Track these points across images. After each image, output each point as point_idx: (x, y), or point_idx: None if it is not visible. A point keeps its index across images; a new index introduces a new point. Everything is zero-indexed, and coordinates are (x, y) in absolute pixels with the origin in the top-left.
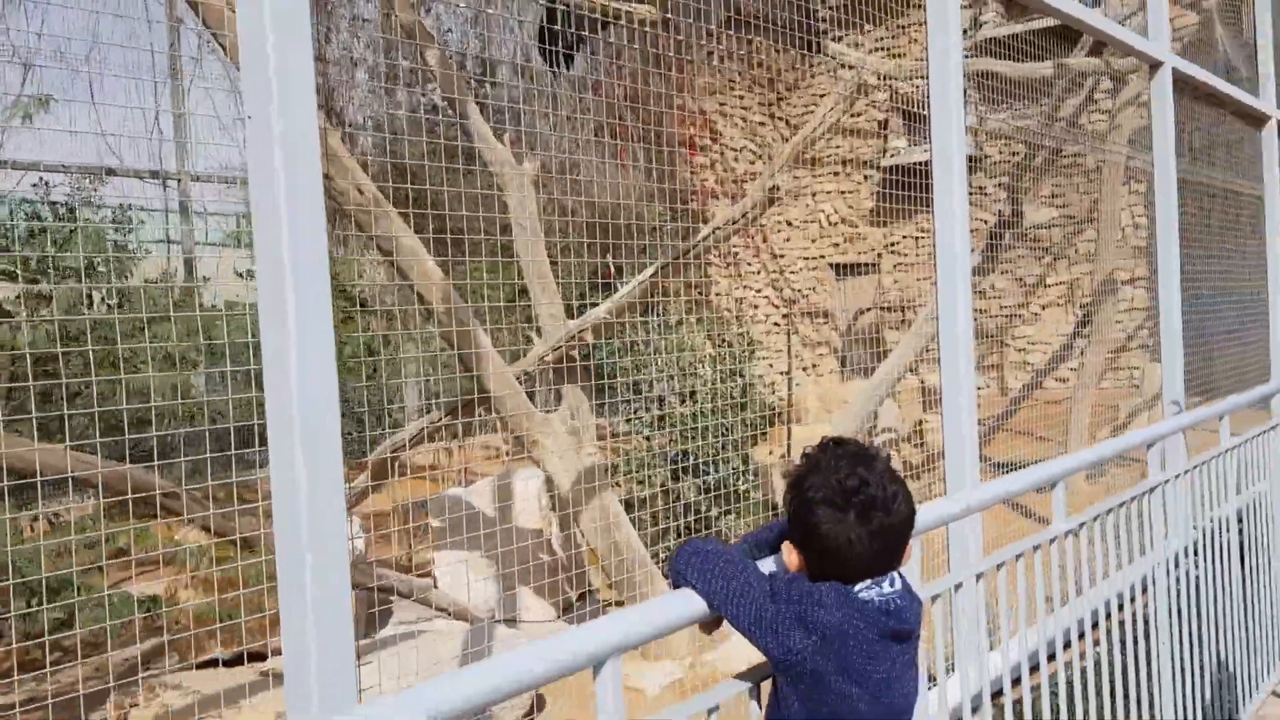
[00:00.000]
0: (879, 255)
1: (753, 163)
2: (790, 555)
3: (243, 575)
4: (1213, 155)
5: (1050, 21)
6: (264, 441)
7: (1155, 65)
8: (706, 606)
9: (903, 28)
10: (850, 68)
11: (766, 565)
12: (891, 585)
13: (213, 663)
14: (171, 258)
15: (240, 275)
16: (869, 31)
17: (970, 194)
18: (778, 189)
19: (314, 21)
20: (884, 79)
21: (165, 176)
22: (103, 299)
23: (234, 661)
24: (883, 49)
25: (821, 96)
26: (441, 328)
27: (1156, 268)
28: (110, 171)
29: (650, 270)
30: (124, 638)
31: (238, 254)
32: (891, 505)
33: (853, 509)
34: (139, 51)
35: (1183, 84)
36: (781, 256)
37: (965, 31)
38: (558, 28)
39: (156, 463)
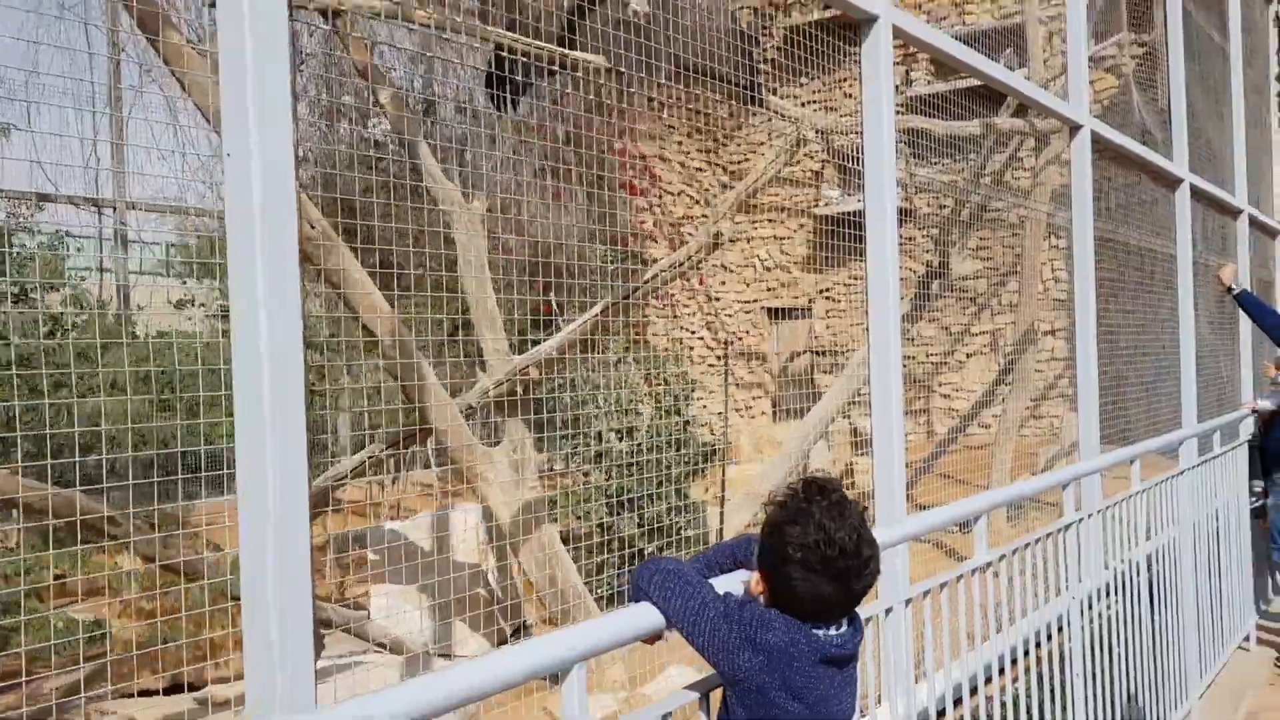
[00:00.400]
0: (812, 300)
1: (690, 207)
2: (757, 584)
3: (182, 601)
4: (1129, 214)
5: (976, 81)
6: (210, 467)
7: (1075, 128)
8: (664, 621)
9: (837, 81)
10: (787, 118)
11: (719, 584)
12: (839, 628)
13: (153, 690)
14: (105, 286)
15: (173, 305)
16: (804, 84)
17: (900, 244)
18: (721, 234)
19: (294, 57)
20: (820, 133)
21: (101, 203)
22: (43, 324)
23: (173, 689)
24: (817, 102)
25: (759, 144)
26: (387, 360)
27: (1075, 320)
28: (44, 197)
29: (596, 309)
30: (64, 660)
31: (170, 283)
32: (864, 570)
33: (829, 573)
34: (78, 81)
35: (1101, 146)
36: (718, 299)
37: (896, 87)
38: (504, 73)
39: (105, 485)
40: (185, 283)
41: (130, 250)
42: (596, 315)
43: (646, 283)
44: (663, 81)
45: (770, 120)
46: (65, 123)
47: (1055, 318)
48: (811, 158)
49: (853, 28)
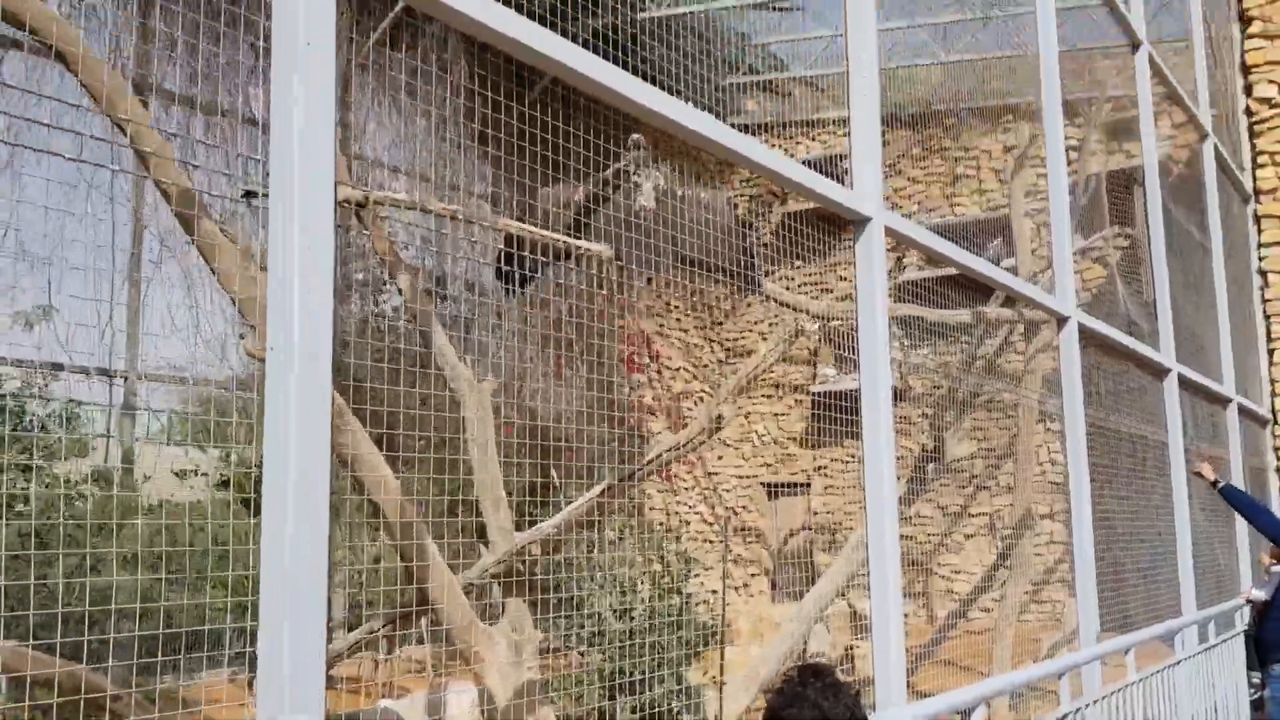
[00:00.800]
0: (809, 477)
1: (689, 382)
2: None
3: None
4: (1119, 401)
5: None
6: (213, 646)
7: (1062, 319)
8: None
9: (830, 266)
10: (785, 305)
11: None
12: None
13: None
14: (110, 455)
15: (177, 475)
16: (798, 267)
17: (896, 424)
18: (722, 418)
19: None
20: (816, 318)
21: (113, 374)
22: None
23: None
24: (812, 283)
25: (756, 323)
26: (393, 537)
27: (1070, 505)
28: (58, 367)
29: (597, 489)
30: None
31: (175, 452)
32: None
33: None
34: (98, 254)
35: (1089, 336)
36: (715, 474)
37: (889, 273)
38: (514, 258)
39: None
40: (188, 453)
41: (137, 418)
42: (597, 495)
43: (649, 463)
44: (663, 272)
45: (766, 301)
46: (84, 293)
47: (1053, 500)
48: (808, 337)
49: (843, 223)
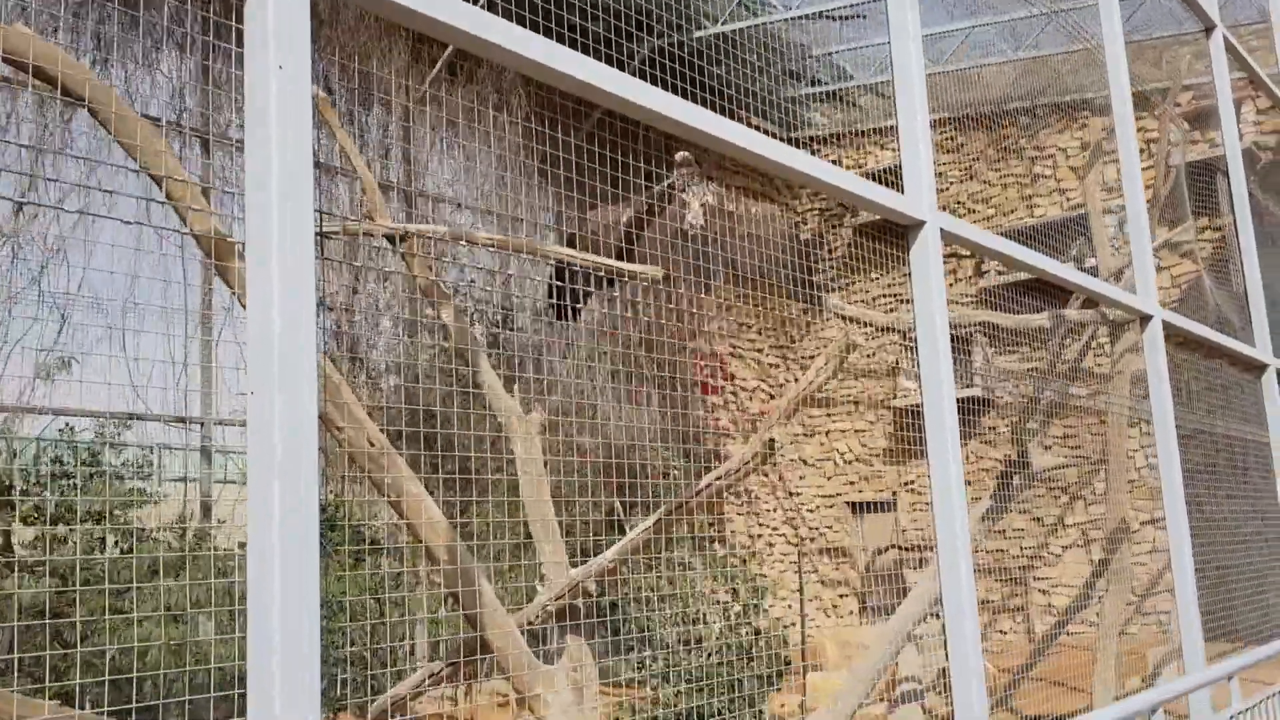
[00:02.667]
0: (895, 494)
1: (765, 402)
2: None
3: None
4: (1213, 401)
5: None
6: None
7: (1145, 318)
8: None
9: (905, 275)
10: (851, 320)
11: None
12: None
13: None
14: (189, 501)
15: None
16: (875, 279)
17: (982, 434)
18: (774, 442)
19: (320, 315)
20: (885, 330)
21: (189, 421)
22: (115, 543)
23: None
24: (889, 295)
25: (831, 341)
26: (445, 578)
27: (1166, 511)
28: (135, 416)
29: (653, 519)
30: None
31: None
32: None
33: None
34: (170, 305)
35: (1176, 334)
36: (797, 494)
37: (968, 279)
38: (564, 284)
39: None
40: None
41: (214, 462)
42: (658, 520)
43: (699, 492)
44: (727, 290)
45: (828, 318)
46: (158, 340)
47: (1154, 507)
48: (887, 350)
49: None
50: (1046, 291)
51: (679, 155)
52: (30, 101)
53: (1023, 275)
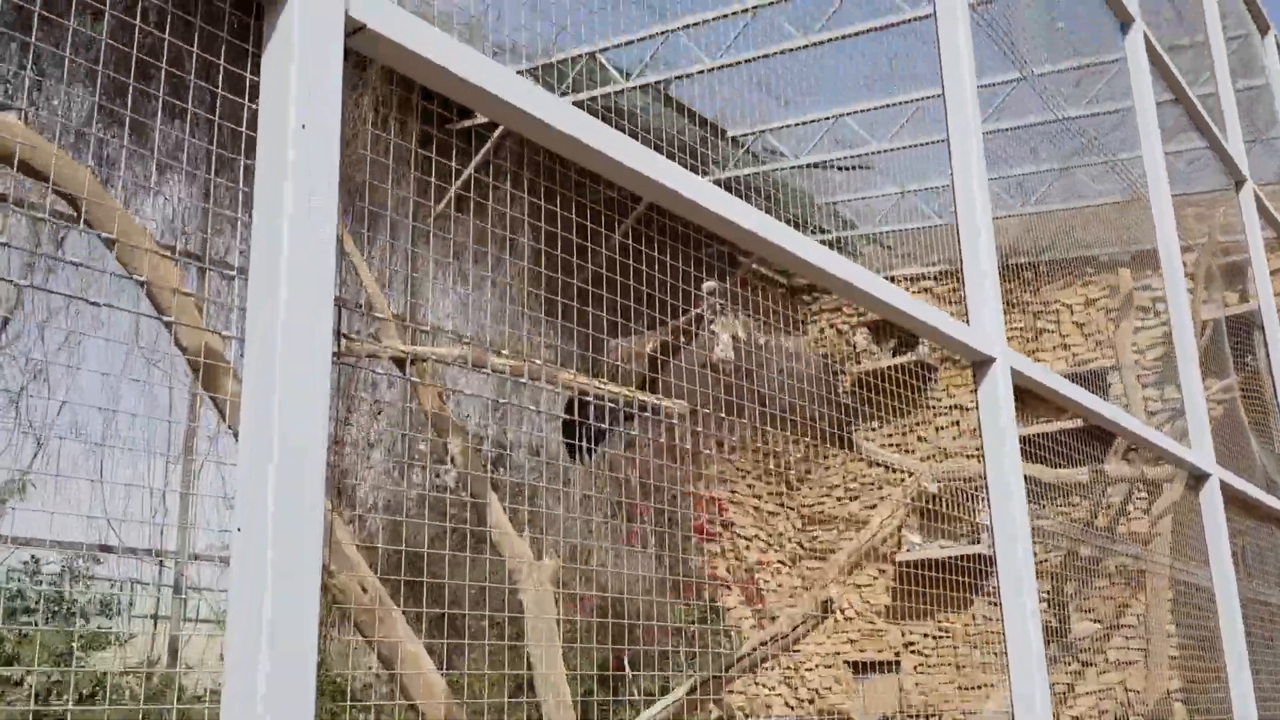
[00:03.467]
0: (898, 654)
1: (764, 552)
2: None
3: None
4: (1265, 566)
5: (1081, 421)
6: None
7: (1201, 477)
8: None
9: (912, 425)
10: (883, 466)
11: None
12: None
13: None
14: (157, 642)
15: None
16: (875, 429)
17: (989, 594)
18: (831, 602)
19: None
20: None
21: (162, 555)
22: (75, 688)
23: None
24: (893, 445)
25: (833, 489)
26: None
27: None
28: (106, 549)
29: (681, 691)
30: None
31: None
32: None
33: None
34: (154, 427)
35: (1230, 494)
36: (796, 652)
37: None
38: (582, 419)
39: None
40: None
41: (187, 601)
42: (682, 698)
43: (740, 660)
44: (742, 429)
45: (845, 464)
46: (135, 469)
47: (1188, 678)
48: (920, 499)
49: (927, 371)
50: (1082, 441)
51: (706, 285)
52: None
53: (1057, 426)
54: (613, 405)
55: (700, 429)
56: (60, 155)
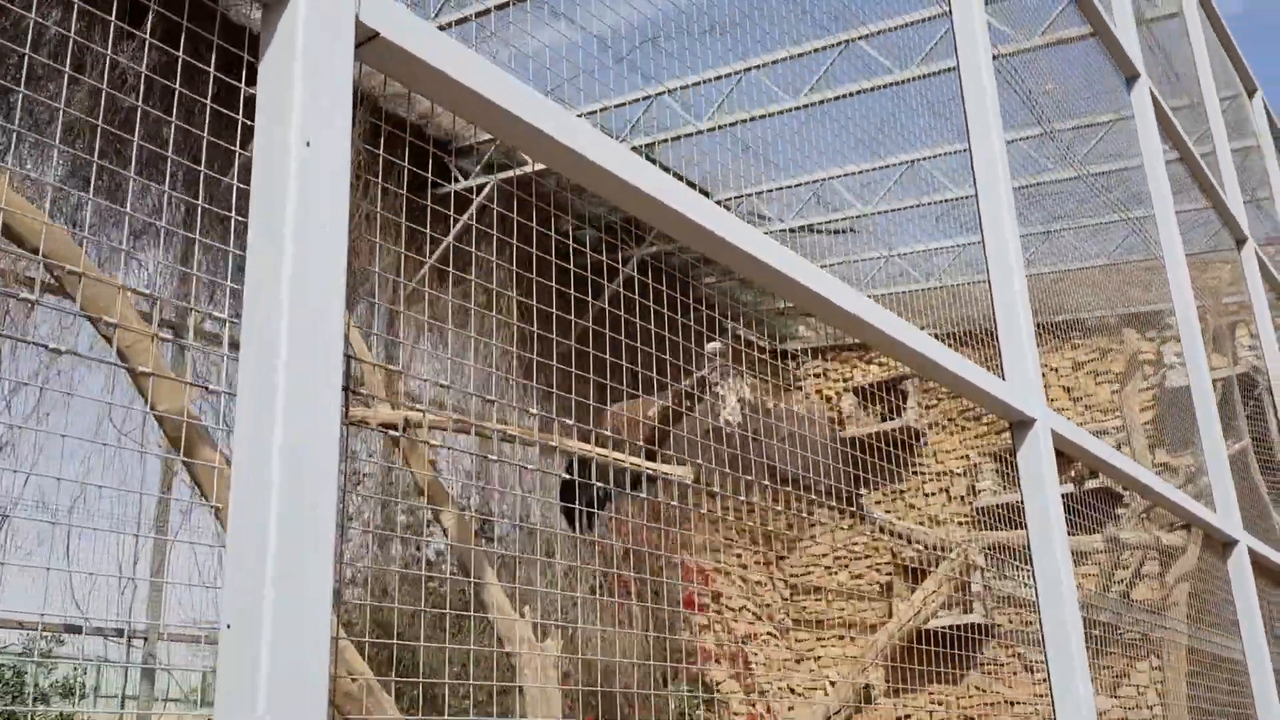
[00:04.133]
0: None
1: (752, 624)
2: None
3: None
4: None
5: (1100, 479)
6: None
7: (1229, 544)
8: None
9: (898, 491)
10: (893, 534)
11: None
12: None
13: None
14: None
15: None
16: (860, 494)
17: (984, 664)
18: (871, 688)
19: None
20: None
21: (132, 635)
22: None
23: None
24: (887, 511)
25: (821, 557)
26: None
27: None
28: (72, 629)
29: None
30: None
31: (198, 715)
32: None
33: None
34: (126, 504)
35: (1256, 562)
36: None
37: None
38: (583, 481)
39: None
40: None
41: (157, 681)
42: None
43: None
44: (750, 496)
45: (833, 532)
46: (106, 548)
47: None
48: (878, 570)
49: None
50: (1094, 502)
51: (709, 346)
52: None
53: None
54: (619, 470)
55: (707, 493)
56: (37, 214)
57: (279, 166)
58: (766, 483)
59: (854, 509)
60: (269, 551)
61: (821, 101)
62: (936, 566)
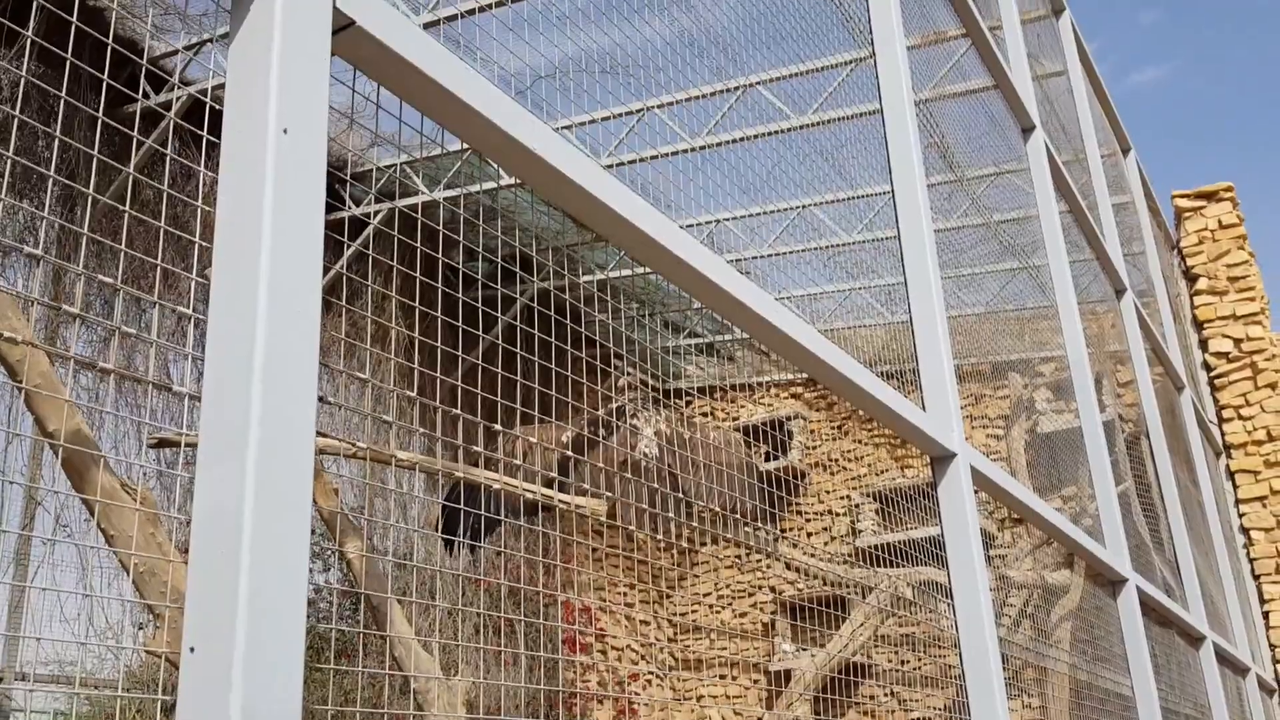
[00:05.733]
0: None
1: (635, 663)
2: None
3: None
4: (1170, 677)
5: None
6: None
7: (1118, 583)
8: None
9: (782, 530)
10: (801, 570)
11: None
12: None
13: None
14: None
15: None
16: (761, 526)
17: (860, 704)
18: None
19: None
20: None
21: None
22: None
23: None
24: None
25: (705, 596)
26: None
27: None
28: None
29: None
30: None
31: None
32: None
33: None
34: None
35: (1144, 603)
36: None
37: (842, 537)
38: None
39: None
40: None
41: None
42: None
43: None
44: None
45: (717, 571)
46: None
47: None
48: (761, 609)
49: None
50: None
51: (621, 381)
52: None
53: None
54: (518, 498)
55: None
56: None
57: (254, 154)
58: (682, 519)
59: (761, 545)
60: (242, 567)
61: (718, 144)
62: (862, 598)
